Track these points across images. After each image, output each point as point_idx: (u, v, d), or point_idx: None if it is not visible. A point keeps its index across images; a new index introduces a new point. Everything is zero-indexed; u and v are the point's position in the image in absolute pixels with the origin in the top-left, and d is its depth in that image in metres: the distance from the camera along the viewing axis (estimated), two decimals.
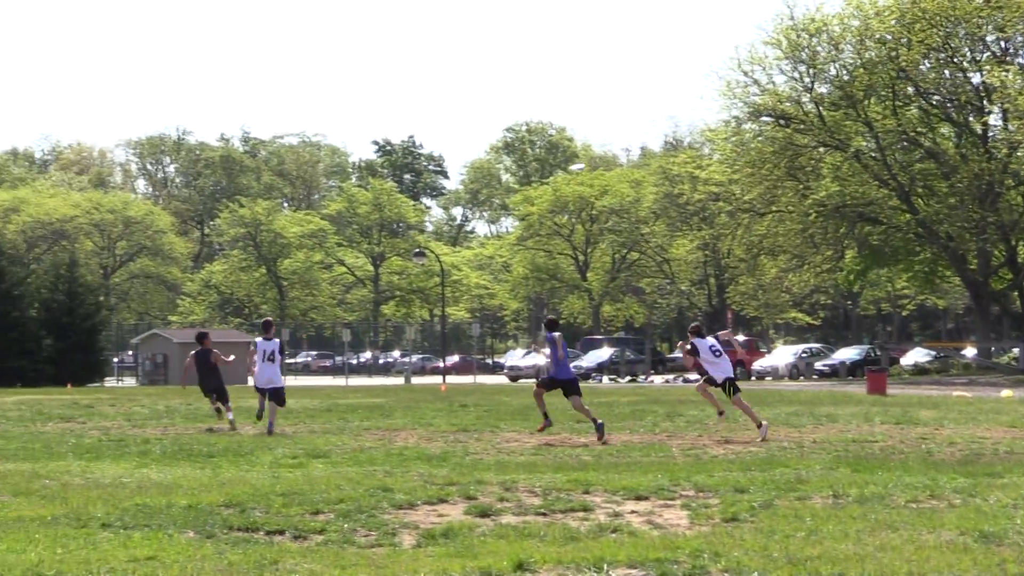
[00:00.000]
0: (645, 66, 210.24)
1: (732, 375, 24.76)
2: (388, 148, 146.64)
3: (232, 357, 32.04)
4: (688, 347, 25.18)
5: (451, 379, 72.15)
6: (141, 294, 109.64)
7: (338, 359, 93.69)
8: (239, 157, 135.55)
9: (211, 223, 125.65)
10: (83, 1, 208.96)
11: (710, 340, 25.11)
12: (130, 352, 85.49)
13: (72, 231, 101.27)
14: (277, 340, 27.99)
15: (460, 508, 14.39)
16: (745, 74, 66.48)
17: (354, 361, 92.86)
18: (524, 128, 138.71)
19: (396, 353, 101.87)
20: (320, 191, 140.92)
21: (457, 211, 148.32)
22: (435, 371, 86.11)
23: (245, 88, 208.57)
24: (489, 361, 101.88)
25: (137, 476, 17.76)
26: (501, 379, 74.53)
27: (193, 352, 30.82)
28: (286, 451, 21.36)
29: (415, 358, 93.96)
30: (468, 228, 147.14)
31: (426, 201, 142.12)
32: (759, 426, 23.84)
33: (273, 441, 23.70)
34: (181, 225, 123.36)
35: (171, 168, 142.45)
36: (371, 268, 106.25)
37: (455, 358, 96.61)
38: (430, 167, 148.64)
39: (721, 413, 25.46)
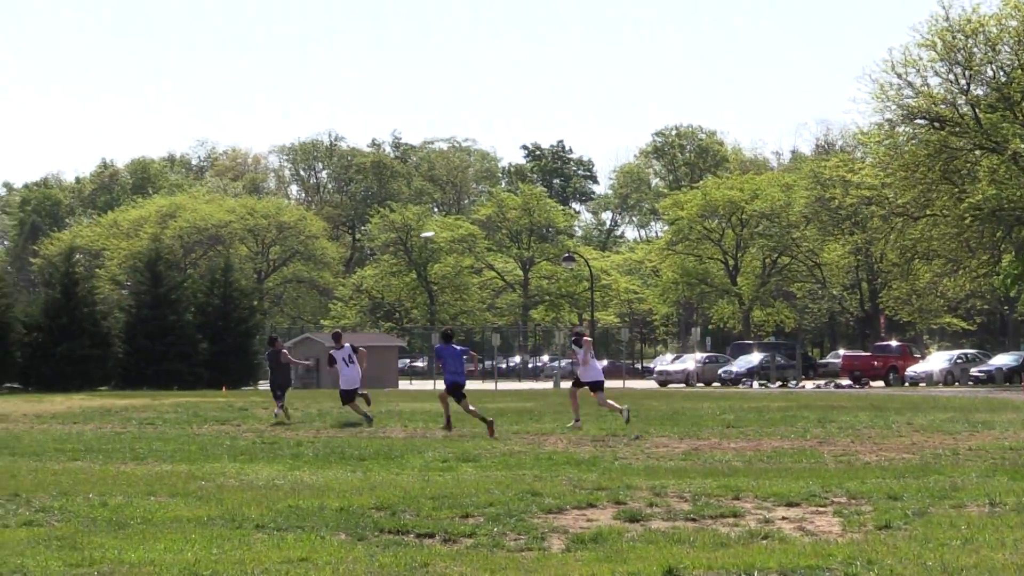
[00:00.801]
0: (796, 69, 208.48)
1: (600, 379, 29.87)
2: (538, 153, 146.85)
3: (310, 361, 36.08)
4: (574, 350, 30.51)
5: None
6: (294, 298, 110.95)
7: (487, 363, 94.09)
8: (390, 162, 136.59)
9: (362, 228, 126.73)
10: (237, 8, 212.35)
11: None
12: None
13: (227, 236, 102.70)
14: (347, 345, 32.85)
15: (609, 513, 14.37)
16: (899, 76, 65.49)
17: (503, 365, 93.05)
18: (674, 132, 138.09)
19: (545, 357, 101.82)
20: (470, 196, 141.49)
21: (606, 216, 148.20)
22: None
23: (396, 93, 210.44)
24: (638, 366, 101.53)
25: (290, 478, 17.98)
26: (650, 384, 74.27)
27: (266, 352, 37.04)
28: (436, 454, 21.49)
29: (564, 363, 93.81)
30: (617, 233, 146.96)
31: (575, 206, 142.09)
32: (621, 412, 28.76)
33: (423, 445, 23.86)
34: (333, 230, 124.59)
35: (323, 174, 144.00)
36: (520, 273, 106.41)
37: (604, 363, 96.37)
38: (579, 172, 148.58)
39: (577, 421, 28.93)
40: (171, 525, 13.43)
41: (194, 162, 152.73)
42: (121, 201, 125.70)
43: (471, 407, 27.97)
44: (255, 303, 76.31)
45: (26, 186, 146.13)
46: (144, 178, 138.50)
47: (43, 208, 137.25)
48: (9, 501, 15.54)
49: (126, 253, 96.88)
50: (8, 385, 63.62)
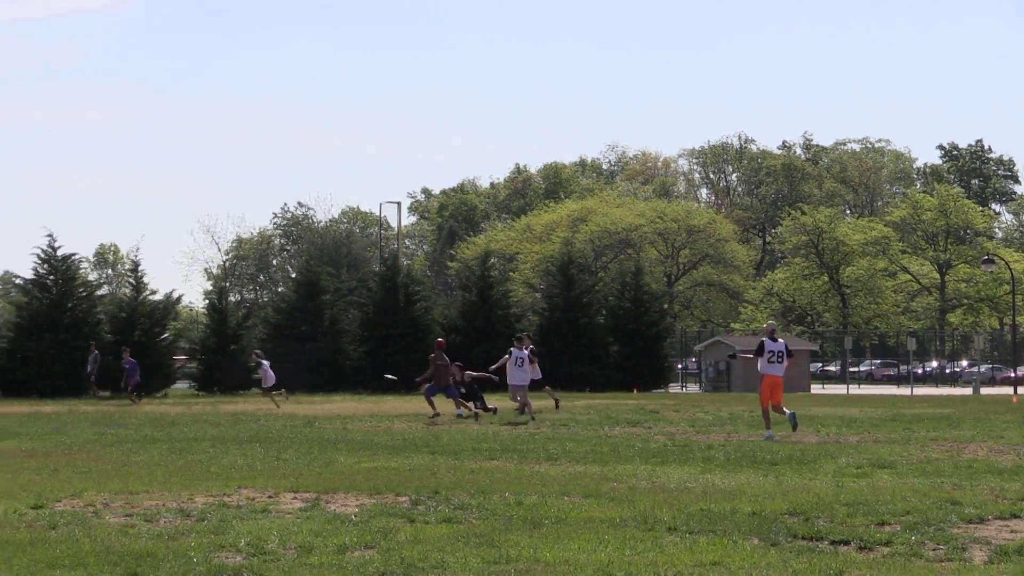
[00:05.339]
0: None
1: (272, 384, 45.16)
2: (955, 153, 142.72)
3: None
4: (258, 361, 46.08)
5: (1023, 390, 69.47)
6: (704, 301, 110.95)
7: (902, 368, 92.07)
8: (801, 164, 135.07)
9: (772, 231, 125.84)
10: (646, 13, 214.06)
11: (266, 362, 45.68)
12: (693, 359, 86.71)
13: (637, 240, 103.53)
14: (526, 351, 37.30)
15: None
16: None
17: (919, 370, 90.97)
18: None
19: (963, 363, 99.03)
20: (883, 197, 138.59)
21: None
22: (1005, 381, 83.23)
23: (807, 94, 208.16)
24: None
25: (701, 481, 17.96)
26: None
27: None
28: (850, 460, 21.11)
29: (983, 368, 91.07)
30: None
31: (995, 207, 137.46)
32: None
33: (836, 450, 23.48)
34: (743, 233, 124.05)
35: (733, 177, 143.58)
36: (937, 275, 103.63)
37: None
38: (999, 172, 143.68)
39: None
40: (584, 525, 13.61)
41: (604, 166, 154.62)
42: (534, 205, 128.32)
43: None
44: (665, 306, 76.63)
45: (444, 192, 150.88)
46: (556, 183, 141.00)
47: (460, 213, 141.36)
48: (430, 498, 16.04)
49: (539, 257, 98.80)
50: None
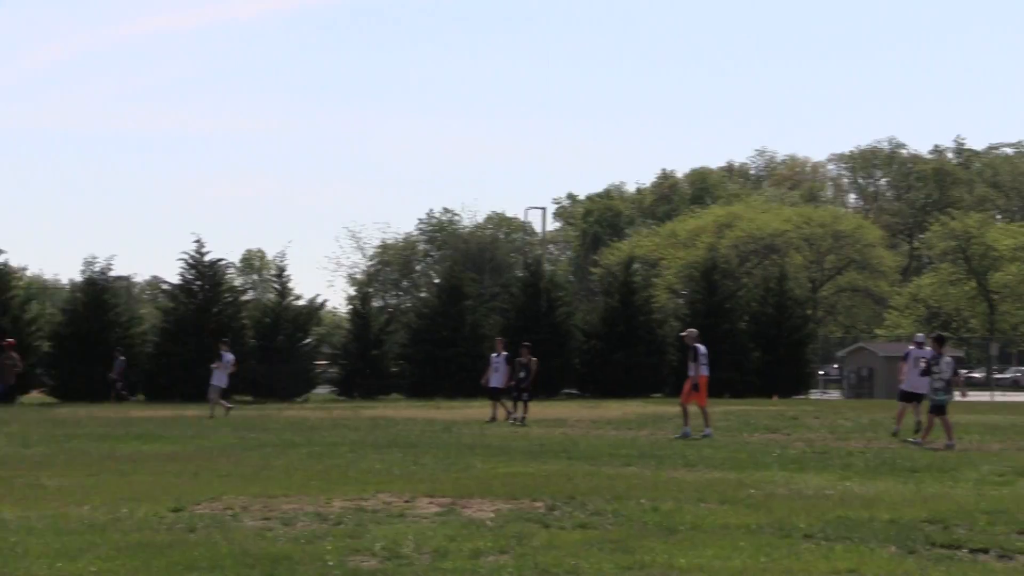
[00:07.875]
0: None
1: (224, 384, 40.97)
2: None
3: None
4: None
5: None
6: (847, 307, 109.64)
7: None
8: (952, 169, 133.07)
9: (920, 236, 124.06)
10: (797, 16, 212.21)
11: (227, 355, 41.06)
12: (835, 365, 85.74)
13: (782, 245, 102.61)
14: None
15: None
16: None
17: None
18: None
19: None
20: None
21: None
22: None
23: (959, 98, 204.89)
24: None
25: (839, 489, 17.82)
26: None
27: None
28: (992, 468, 20.81)
29: None
30: None
31: None
32: None
33: (979, 458, 23.14)
34: (890, 238, 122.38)
35: (882, 181, 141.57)
36: None
37: None
38: None
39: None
40: (720, 532, 13.54)
41: (752, 171, 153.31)
42: (680, 211, 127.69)
43: None
44: (808, 312, 75.97)
45: (589, 197, 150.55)
46: (703, 188, 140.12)
47: (604, 218, 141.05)
48: (565, 504, 16.05)
49: (683, 262, 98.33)
50: (566, 391, 65.80)
